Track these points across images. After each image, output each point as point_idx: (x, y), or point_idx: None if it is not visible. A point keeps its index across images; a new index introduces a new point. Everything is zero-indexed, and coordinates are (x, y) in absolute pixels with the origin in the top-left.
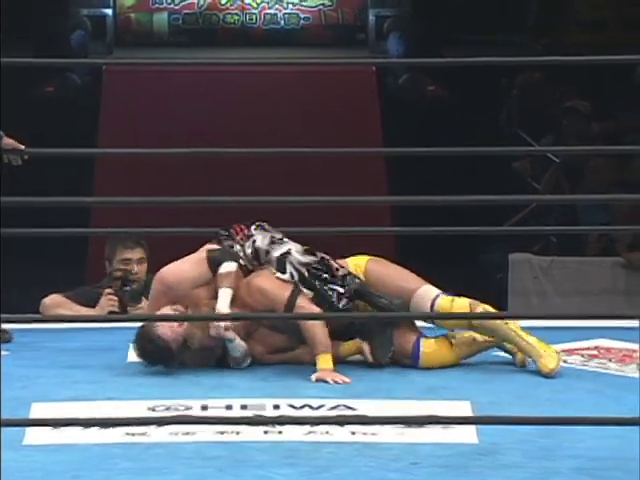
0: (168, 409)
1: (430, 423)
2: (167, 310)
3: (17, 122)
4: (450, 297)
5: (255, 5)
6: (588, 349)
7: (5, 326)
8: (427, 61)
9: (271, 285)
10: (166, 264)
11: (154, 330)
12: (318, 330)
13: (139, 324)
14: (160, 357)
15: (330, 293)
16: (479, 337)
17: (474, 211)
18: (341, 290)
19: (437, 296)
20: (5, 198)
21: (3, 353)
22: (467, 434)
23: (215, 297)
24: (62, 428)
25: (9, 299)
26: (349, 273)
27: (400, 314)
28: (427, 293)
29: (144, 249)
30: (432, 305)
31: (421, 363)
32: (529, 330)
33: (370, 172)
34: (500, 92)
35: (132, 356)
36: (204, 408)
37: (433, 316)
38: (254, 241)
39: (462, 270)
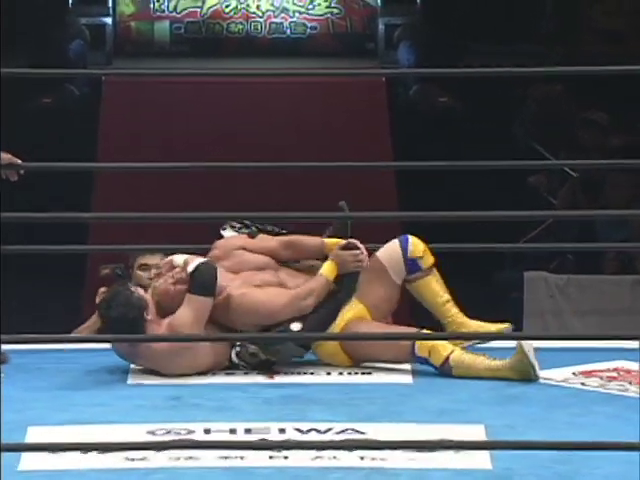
0: (169, 433)
1: (442, 448)
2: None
3: (13, 134)
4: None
5: (260, 14)
6: (607, 371)
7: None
8: (438, 71)
9: None
10: None
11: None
12: None
13: None
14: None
15: None
16: None
17: (487, 227)
18: None
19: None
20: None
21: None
22: (481, 459)
23: None
24: (59, 453)
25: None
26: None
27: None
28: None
29: (164, 254)
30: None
31: None
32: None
33: (379, 185)
34: (514, 103)
35: (133, 378)
36: (207, 432)
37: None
38: None
39: (475, 288)
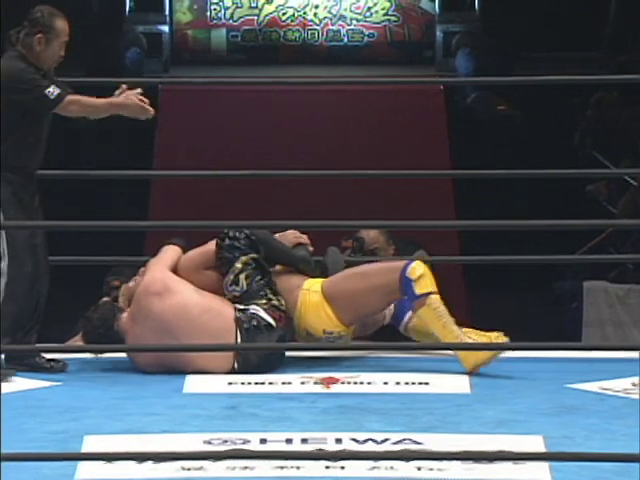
0: (225, 442)
1: (500, 459)
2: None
3: (71, 142)
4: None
5: (317, 21)
6: None
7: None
8: (497, 79)
9: None
10: None
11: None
12: None
13: None
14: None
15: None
16: None
17: (547, 236)
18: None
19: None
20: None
21: (54, 384)
22: (540, 471)
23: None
24: (115, 462)
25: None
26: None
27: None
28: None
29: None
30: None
31: None
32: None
33: (437, 194)
34: (574, 111)
35: (188, 387)
36: (263, 442)
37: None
38: None
39: (534, 298)
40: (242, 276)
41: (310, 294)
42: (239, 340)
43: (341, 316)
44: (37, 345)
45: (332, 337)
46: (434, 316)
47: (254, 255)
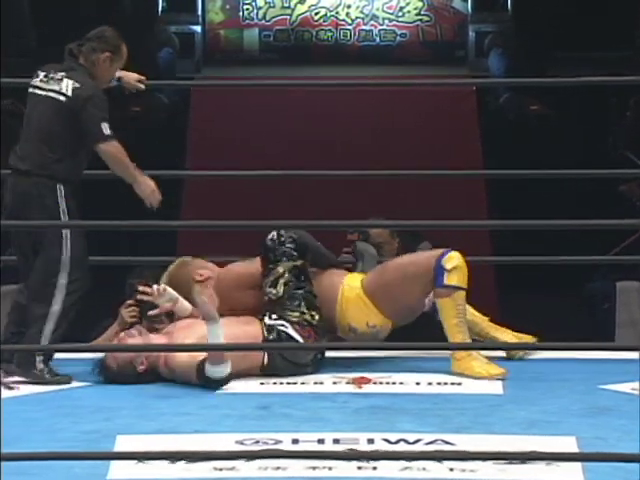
0: (257, 443)
1: (533, 459)
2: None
3: None
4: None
5: (350, 21)
6: None
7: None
8: (528, 80)
9: None
10: None
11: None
12: None
13: None
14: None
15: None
16: None
17: (579, 236)
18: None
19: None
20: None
21: (84, 384)
22: (572, 472)
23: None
24: (147, 462)
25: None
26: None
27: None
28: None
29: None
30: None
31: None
32: None
33: (469, 193)
34: (607, 112)
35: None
36: (295, 442)
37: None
38: None
39: (566, 299)
40: (282, 281)
41: (350, 289)
42: (266, 361)
43: (382, 308)
44: (36, 346)
45: (375, 330)
46: (453, 312)
47: (298, 263)
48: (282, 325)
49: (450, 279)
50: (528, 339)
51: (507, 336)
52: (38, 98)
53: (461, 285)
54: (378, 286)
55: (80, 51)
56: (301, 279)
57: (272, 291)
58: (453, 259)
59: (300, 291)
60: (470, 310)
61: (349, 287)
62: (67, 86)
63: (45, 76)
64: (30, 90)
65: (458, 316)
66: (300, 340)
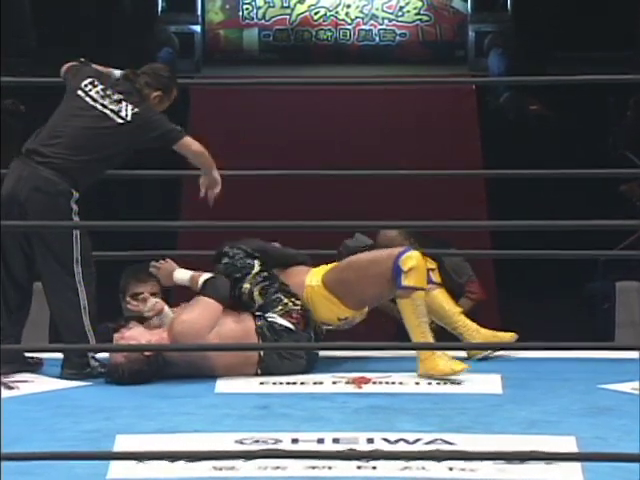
0: (257, 442)
1: (533, 459)
2: None
3: None
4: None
5: (349, 21)
6: None
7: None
8: (528, 79)
9: None
10: None
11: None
12: None
13: None
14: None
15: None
16: None
17: (578, 237)
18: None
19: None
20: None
21: (84, 384)
22: (572, 472)
23: None
24: (147, 462)
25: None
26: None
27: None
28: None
29: (157, 282)
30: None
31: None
32: None
33: (469, 193)
34: (606, 111)
35: (220, 387)
36: (294, 441)
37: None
38: None
39: (566, 299)
40: (255, 293)
41: (313, 290)
42: (262, 352)
43: (346, 303)
44: (36, 345)
45: (348, 321)
46: (413, 313)
47: (257, 269)
48: (270, 316)
49: (408, 280)
50: (507, 338)
51: (481, 333)
52: (86, 105)
53: (418, 286)
54: (338, 283)
55: (136, 80)
56: (268, 279)
57: (253, 305)
58: (410, 259)
59: (273, 288)
60: (444, 302)
61: (311, 288)
62: (126, 110)
63: (103, 90)
64: (78, 93)
65: (419, 316)
66: (290, 327)
